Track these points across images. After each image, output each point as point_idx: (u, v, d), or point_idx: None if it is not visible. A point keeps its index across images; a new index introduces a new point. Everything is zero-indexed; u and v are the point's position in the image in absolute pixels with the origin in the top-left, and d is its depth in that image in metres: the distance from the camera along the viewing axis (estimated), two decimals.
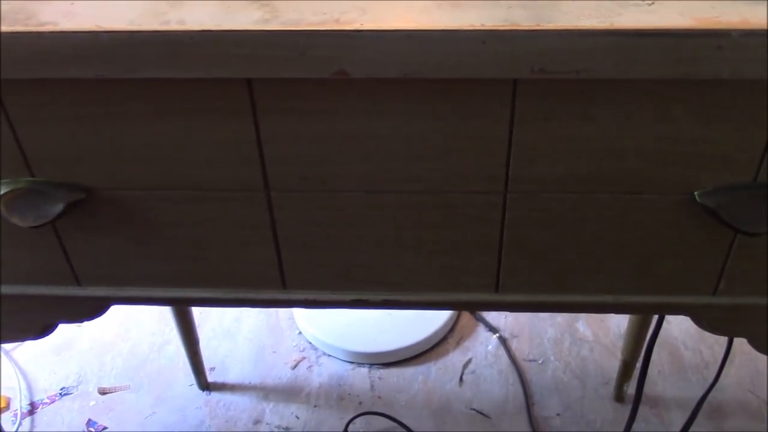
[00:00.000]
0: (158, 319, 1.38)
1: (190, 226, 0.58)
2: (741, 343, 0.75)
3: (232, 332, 1.36)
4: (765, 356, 0.77)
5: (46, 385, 1.27)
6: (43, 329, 0.64)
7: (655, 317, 0.92)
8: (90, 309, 0.62)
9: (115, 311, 1.08)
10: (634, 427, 0.96)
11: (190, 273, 0.61)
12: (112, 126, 0.52)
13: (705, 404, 0.92)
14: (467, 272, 0.59)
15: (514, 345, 1.30)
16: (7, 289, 0.63)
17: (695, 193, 0.53)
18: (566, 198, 0.54)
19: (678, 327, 1.31)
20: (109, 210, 0.57)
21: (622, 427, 1.01)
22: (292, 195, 0.55)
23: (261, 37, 0.45)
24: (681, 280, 0.58)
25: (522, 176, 0.53)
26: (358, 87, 0.49)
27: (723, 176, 0.52)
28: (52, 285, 0.62)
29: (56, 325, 0.65)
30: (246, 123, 0.51)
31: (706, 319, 0.61)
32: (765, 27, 0.43)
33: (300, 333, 1.34)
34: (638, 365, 1.12)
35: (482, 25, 0.44)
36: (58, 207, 0.55)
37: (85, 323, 0.76)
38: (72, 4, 0.48)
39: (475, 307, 0.64)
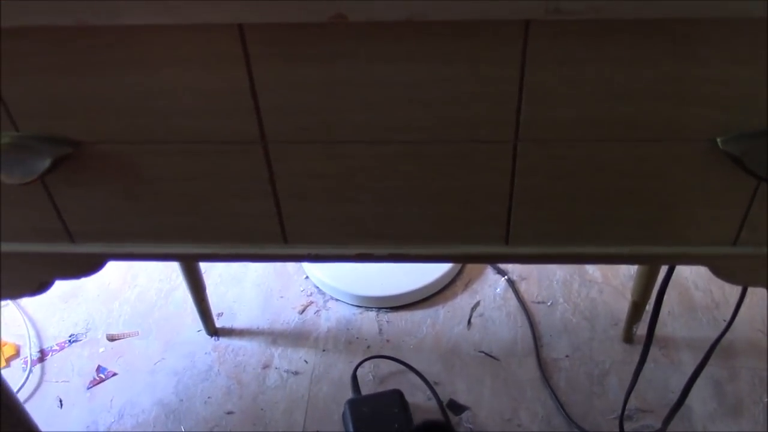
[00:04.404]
0: (165, 265, 1.38)
1: (183, 181, 0.55)
2: None
3: (239, 277, 1.35)
4: None
5: (55, 333, 1.27)
6: (40, 286, 0.63)
7: None
8: (86, 266, 0.61)
9: None
10: (644, 367, 0.95)
11: (186, 228, 0.58)
12: (97, 76, 0.49)
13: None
14: (477, 224, 0.57)
15: (522, 287, 1.29)
16: (3, 247, 0.61)
17: (718, 139, 0.50)
18: (581, 145, 0.51)
19: (689, 267, 1.29)
20: (98, 165, 0.54)
21: (631, 368, 1.00)
22: (291, 146, 0.52)
23: None
24: (700, 230, 0.56)
25: (534, 122, 0.50)
26: (359, 31, 0.46)
27: (749, 121, 0.49)
28: (47, 243, 0.60)
29: (53, 282, 0.63)
30: (239, 71, 0.48)
31: (725, 270, 0.58)
32: None
33: (307, 278, 1.34)
34: (648, 307, 1.11)
35: None
36: (46, 162, 0.52)
37: None
38: None
39: (485, 260, 0.62)
